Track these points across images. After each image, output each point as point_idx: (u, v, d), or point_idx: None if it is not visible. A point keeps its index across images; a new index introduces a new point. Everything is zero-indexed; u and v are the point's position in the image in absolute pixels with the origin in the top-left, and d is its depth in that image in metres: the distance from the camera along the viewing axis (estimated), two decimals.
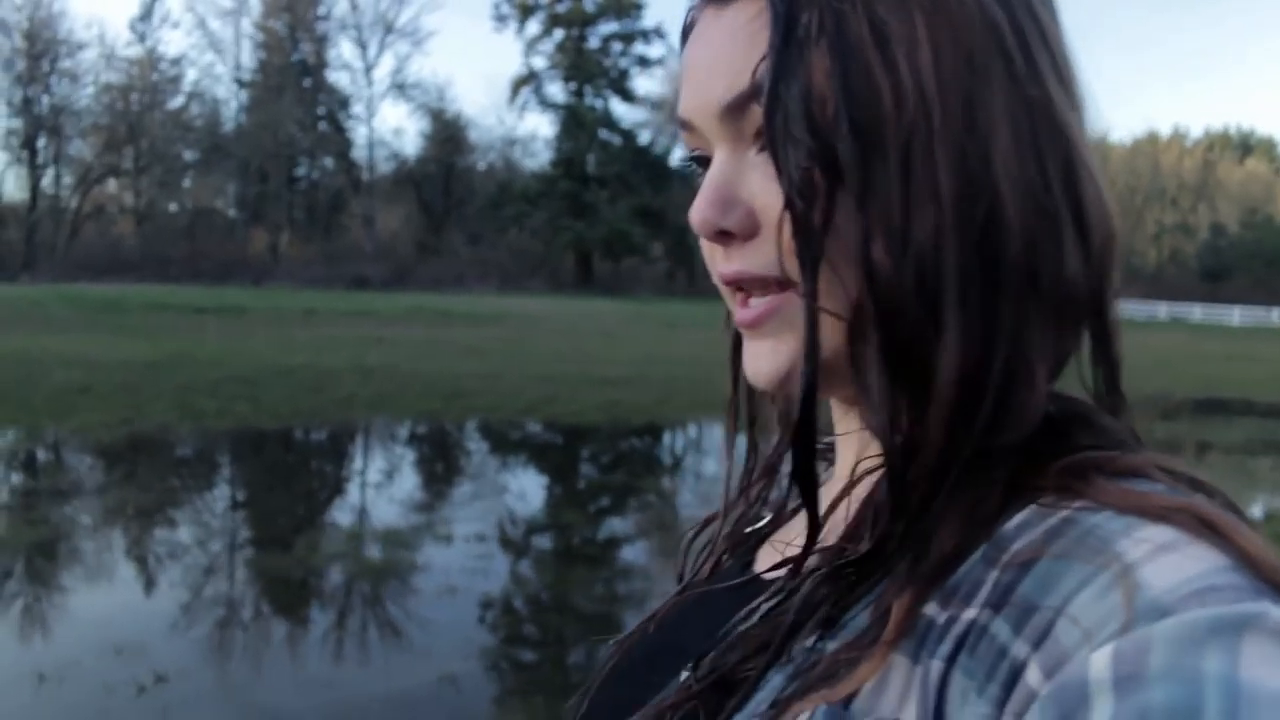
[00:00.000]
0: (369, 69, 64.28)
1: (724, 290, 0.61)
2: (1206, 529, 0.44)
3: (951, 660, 0.46)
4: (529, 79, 60.14)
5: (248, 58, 65.02)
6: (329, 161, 65.11)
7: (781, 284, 0.56)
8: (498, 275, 53.30)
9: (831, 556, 0.55)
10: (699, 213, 0.57)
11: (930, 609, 0.48)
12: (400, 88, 64.07)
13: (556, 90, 60.47)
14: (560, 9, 58.86)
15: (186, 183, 64.66)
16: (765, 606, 0.57)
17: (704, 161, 0.60)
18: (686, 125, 0.60)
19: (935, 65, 0.51)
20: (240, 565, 6.68)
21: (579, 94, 58.63)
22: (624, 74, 59.10)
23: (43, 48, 58.20)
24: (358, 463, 10.94)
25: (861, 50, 0.51)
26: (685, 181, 0.63)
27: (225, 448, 11.00)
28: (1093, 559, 0.44)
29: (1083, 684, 0.40)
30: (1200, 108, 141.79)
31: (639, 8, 58.70)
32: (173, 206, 63.43)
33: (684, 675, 0.58)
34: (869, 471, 0.56)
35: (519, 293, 49.65)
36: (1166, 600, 0.41)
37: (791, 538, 0.67)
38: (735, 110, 0.56)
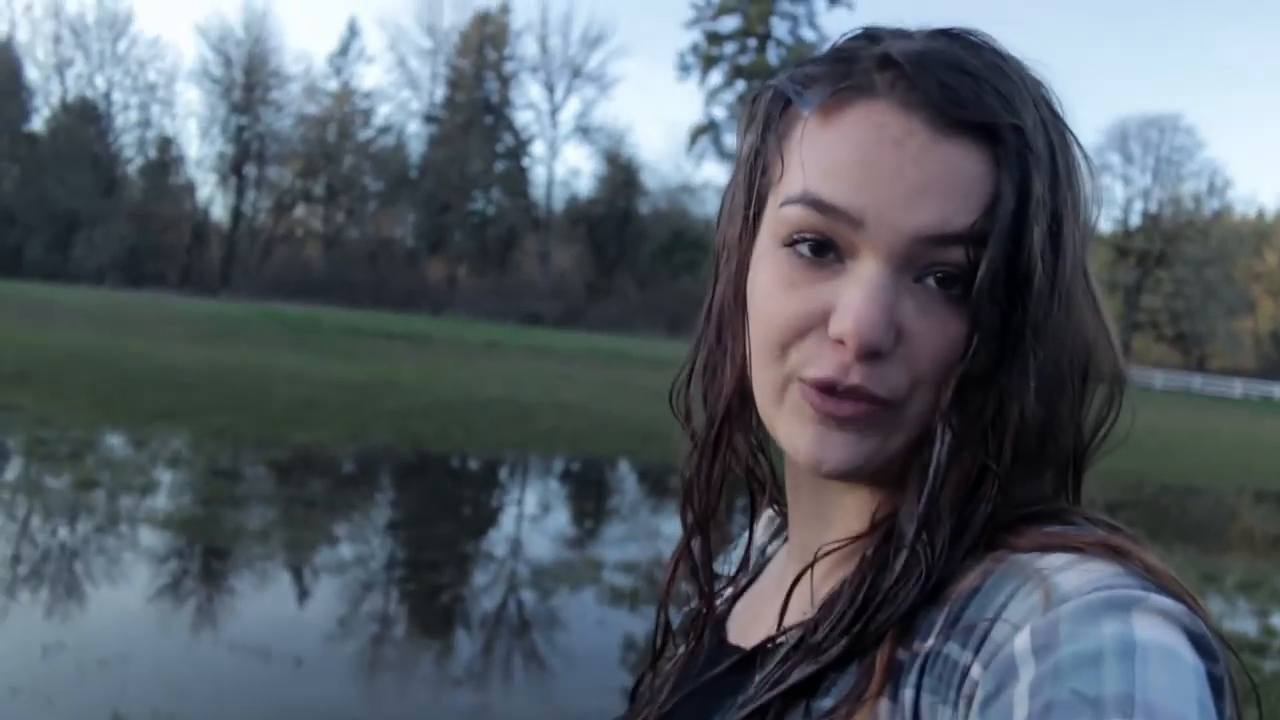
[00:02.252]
0: (554, 111, 66.41)
1: (799, 385, 0.63)
2: (1112, 552, 0.55)
3: (919, 686, 0.55)
4: (708, 128, 61.32)
5: (437, 95, 67.95)
6: (507, 198, 67.38)
7: (885, 404, 0.61)
8: (665, 320, 54.07)
9: (810, 632, 0.62)
10: (872, 329, 0.59)
11: (898, 653, 0.57)
12: (584, 130, 66.15)
13: (735, 140, 61.20)
14: (743, 61, 59.89)
15: (371, 210, 67.72)
16: (760, 681, 0.64)
17: (818, 247, 0.62)
18: (846, 217, 0.61)
19: (1082, 247, 0.62)
20: (530, 584, 7.13)
21: None
22: None
23: (256, 79, 62.19)
24: (599, 497, 11.43)
25: (1072, 246, 0.61)
26: None
27: (458, 471, 11.66)
28: (1019, 576, 0.54)
29: (1010, 658, 0.50)
30: None
31: None
32: (354, 233, 66.51)
33: None
34: (828, 554, 0.66)
35: (686, 338, 50.09)
36: (1072, 593, 0.51)
37: (756, 607, 0.77)
38: (939, 243, 0.59)
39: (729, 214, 0.72)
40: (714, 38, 61.11)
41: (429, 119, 67.40)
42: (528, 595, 6.73)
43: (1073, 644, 0.48)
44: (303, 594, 6.36)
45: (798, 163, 0.63)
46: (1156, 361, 62.37)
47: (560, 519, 9.94)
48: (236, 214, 62.75)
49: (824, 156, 0.62)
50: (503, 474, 11.97)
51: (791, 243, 0.63)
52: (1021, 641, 0.50)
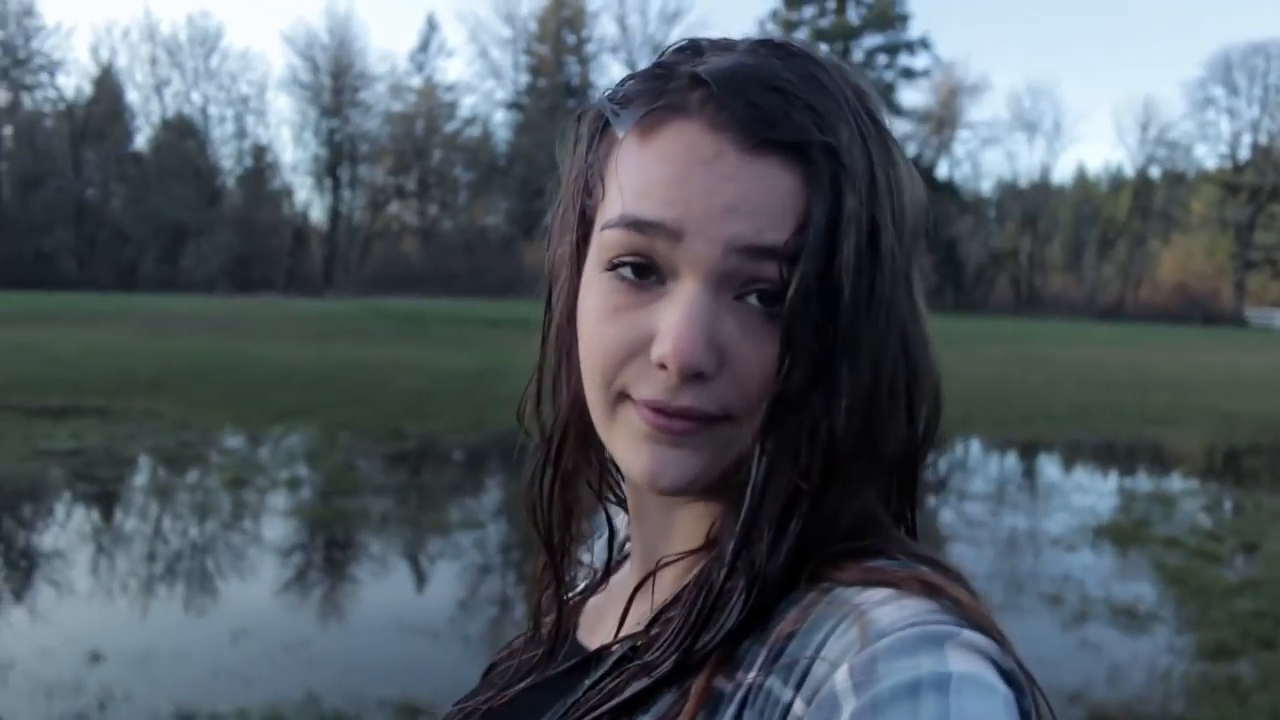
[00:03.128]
0: None
1: (631, 404, 0.64)
2: (926, 588, 0.56)
3: (738, 718, 0.55)
4: None
5: (520, 82, 68.57)
6: None
7: (717, 419, 0.62)
8: None
9: (640, 645, 0.64)
10: (691, 353, 0.59)
11: (718, 681, 0.58)
12: None
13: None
14: (824, 24, 59.28)
15: (463, 200, 68.71)
16: (588, 684, 0.65)
17: (640, 269, 0.62)
18: (664, 229, 0.61)
19: (903, 262, 0.62)
20: None
21: None
22: (889, 87, 58.80)
23: (343, 82, 63.50)
24: None
25: (890, 259, 0.60)
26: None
27: None
28: (837, 613, 0.55)
29: (831, 694, 0.51)
30: None
31: (904, 19, 58.34)
32: (448, 224, 67.57)
33: None
34: (666, 565, 0.68)
35: None
36: (889, 628, 0.52)
37: (603, 607, 0.78)
38: (754, 255, 0.59)
39: (558, 234, 0.71)
40: (793, 2, 60.50)
41: (511, 106, 68.16)
42: None
43: (890, 678, 0.49)
44: (465, 579, 6.63)
45: (616, 186, 0.63)
46: (1274, 301, 60.13)
47: None
48: (334, 215, 64.36)
49: (639, 178, 0.62)
50: None
51: (613, 266, 0.63)
52: (841, 678, 0.51)
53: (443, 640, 5.21)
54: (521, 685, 0.74)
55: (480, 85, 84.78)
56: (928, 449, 0.66)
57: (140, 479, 9.31)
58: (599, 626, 0.74)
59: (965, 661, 0.50)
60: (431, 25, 74.07)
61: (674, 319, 0.60)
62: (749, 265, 0.59)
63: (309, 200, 67.88)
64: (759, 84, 0.60)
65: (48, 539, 7.26)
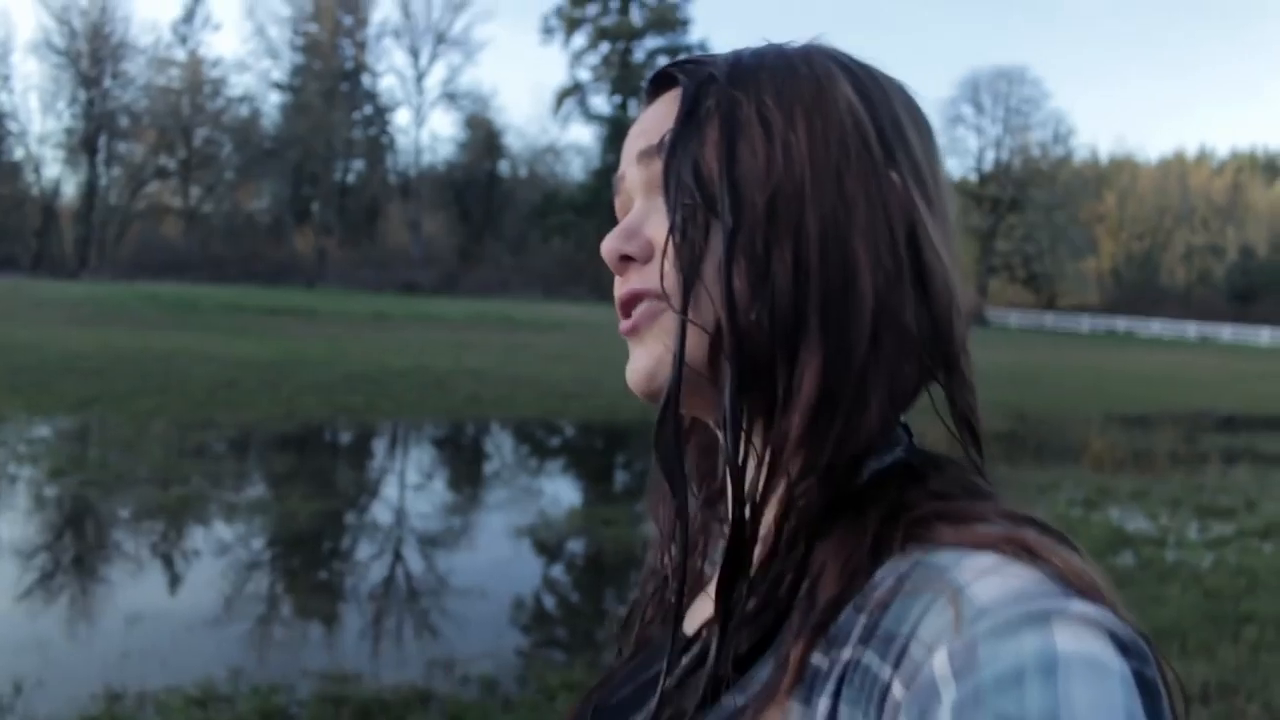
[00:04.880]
0: (420, 77, 65.65)
1: (619, 315, 0.68)
2: (1026, 553, 0.52)
3: (837, 695, 0.53)
4: (574, 90, 61.67)
5: (291, 63, 66.27)
6: (369, 166, 66.34)
7: (654, 295, 0.65)
8: (541, 283, 54.39)
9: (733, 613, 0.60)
10: (607, 242, 0.67)
11: (816, 658, 0.55)
12: (451, 96, 65.55)
13: (601, 102, 61.88)
14: (606, 23, 60.27)
15: (231, 182, 65.79)
16: (684, 666, 0.63)
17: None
18: (620, 179, 0.71)
19: (809, 144, 0.62)
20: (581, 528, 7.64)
21: (623, 106, 59.95)
22: None
23: (103, 51, 59.56)
24: (576, 453, 11.93)
25: (747, 127, 0.63)
26: None
27: (416, 439, 12.02)
28: (931, 587, 0.52)
29: (931, 681, 0.48)
30: (1226, 129, 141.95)
31: (685, 24, 60.09)
32: (207, 207, 64.64)
33: None
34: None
35: (562, 300, 50.73)
36: (988, 606, 0.49)
37: (708, 593, 0.71)
38: (647, 158, 0.67)
39: None
40: (577, 0, 61.21)
41: (280, 87, 65.83)
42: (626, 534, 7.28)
43: (993, 665, 0.47)
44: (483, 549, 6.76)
45: None
46: (1010, 302, 65.75)
47: (562, 474, 10.43)
48: (90, 192, 60.18)
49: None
50: (462, 439, 12.42)
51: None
52: (940, 663, 0.49)
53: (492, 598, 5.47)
54: (627, 674, 0.74)
55: (256, 65, 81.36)
56: (954, 330, 0.64)
57: None
58: (701, 610, 0.69)
59: (1076, 639, 0.47)
60: None
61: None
62: (648, 169, 0.67)
63: (59, 175, 63.23)
64: (678, 62, 0.69)
65: None
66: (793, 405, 0.59)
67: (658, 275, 0.63)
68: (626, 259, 0.66)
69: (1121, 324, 59.70)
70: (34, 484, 8.12)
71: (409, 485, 9.70)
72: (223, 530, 7.17)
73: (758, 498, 0.60)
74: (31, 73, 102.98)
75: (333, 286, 52.65)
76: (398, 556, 6.95)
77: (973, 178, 67.75)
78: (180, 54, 63.64)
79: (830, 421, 0.59)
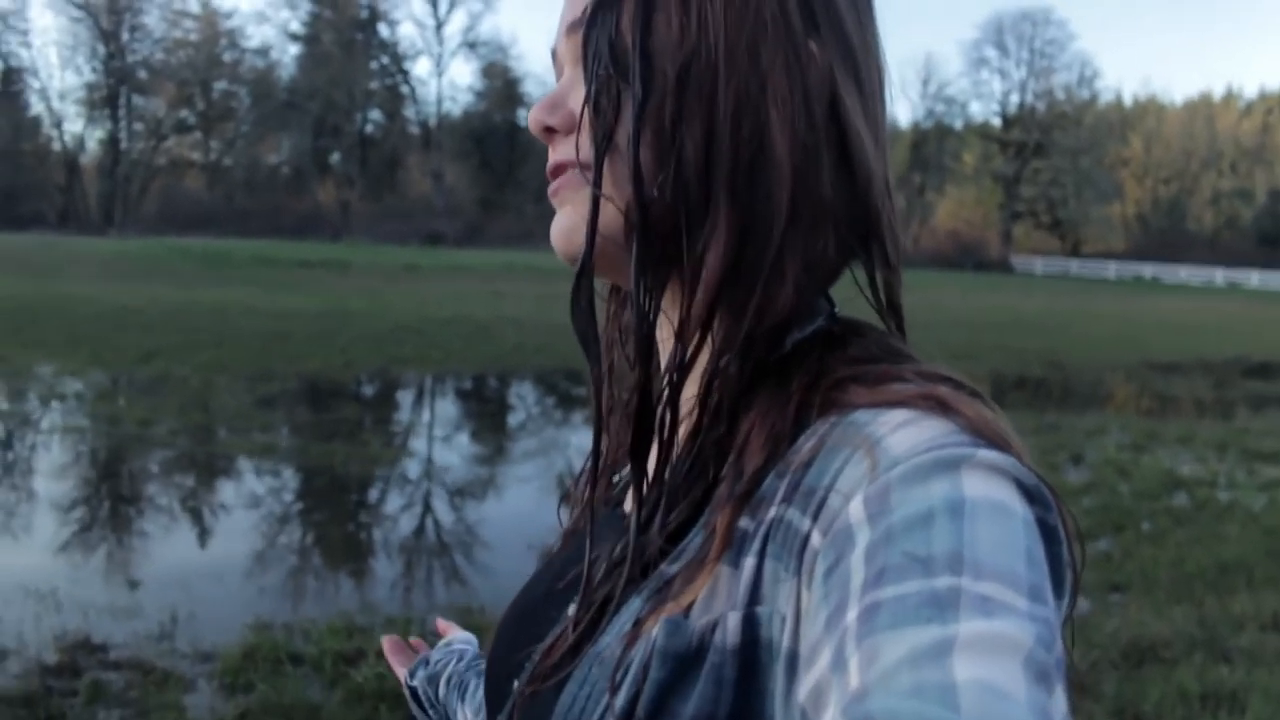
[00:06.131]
0: (439, 26, 65.52)
1: (550, 188, 0.68)
2: (940, 407, 0.54)
3: (762, 554, 0.54)
4: None
5: (307, 13, 66.16)
6: (389, 117, 66.35)
7: (584, 169, 0.63)
8: None
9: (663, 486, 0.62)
10: (532, 113, 0.67)
11: (743, 522, 0.56)
12: (471, 45, 65.41)
13: None
14: None
15: (250, 135, 65.91)
16: (621, 540, 0.64)
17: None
18: (553, 53, 0.71)
19: (725, 14, 0.61)
20: None
21: None
22: None
23: (120, 3, 59.51)
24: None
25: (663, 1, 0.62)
26: None
27: (482, 390, 12.34)
28: (850, 442, 0.54)
29: (846, 528, 0.50)
30: (1255, 70, 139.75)
31: None
32: (228, 160, 64.85)
33: (571, 609, 0.66)
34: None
35: None
36: (902, 455, 0.51)
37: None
38: (574, 30, 0.66)
39: None
40: None
41: (297, 38, 65.73)
42: None
43: (904, 507, 0.48)
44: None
45: None
46: (1034, 249, 65.47)
47: None
48: (114, 147, 60.47)
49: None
50: (526, 384, 12.75)
51: None
52: (855, 509, 0.50)
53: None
54: (565, 554, 0.75)
55: (275, 16, 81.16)
56: (875, 205, 0.64)
57: (50, 421, 9.12)
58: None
59: (982, 484, 0.49)
60: None
61: None
62: (577, 39, 0.65)
63: (82, 131, 63.52)
64: None
65: None
66: (700, 278, 0.60)
67: (581, 144, 0.64)
68: (550, 130, 0.67)
69: (1148, 270, 59.37)
70: (125, 434, 8.44)
71: (512, 427, 10.09)
72: (338, 477, 7.50)
73: (675, 370, 0.61)
74: (49, 27, 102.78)
75: (358, 239, 52.93)
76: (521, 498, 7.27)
77: (996, 121, 67.31)
78: (194, 5, 63.61)
79: (746, 293, 0.60)
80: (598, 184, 0.61)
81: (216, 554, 5.70)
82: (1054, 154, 65.20)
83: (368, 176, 64.09)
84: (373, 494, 7.31)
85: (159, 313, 17.12)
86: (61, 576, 5.01)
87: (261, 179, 64.46)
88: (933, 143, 69.60)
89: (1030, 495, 0.51)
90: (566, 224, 0.65)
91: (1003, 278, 52.86)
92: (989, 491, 0.49)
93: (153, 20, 62.09)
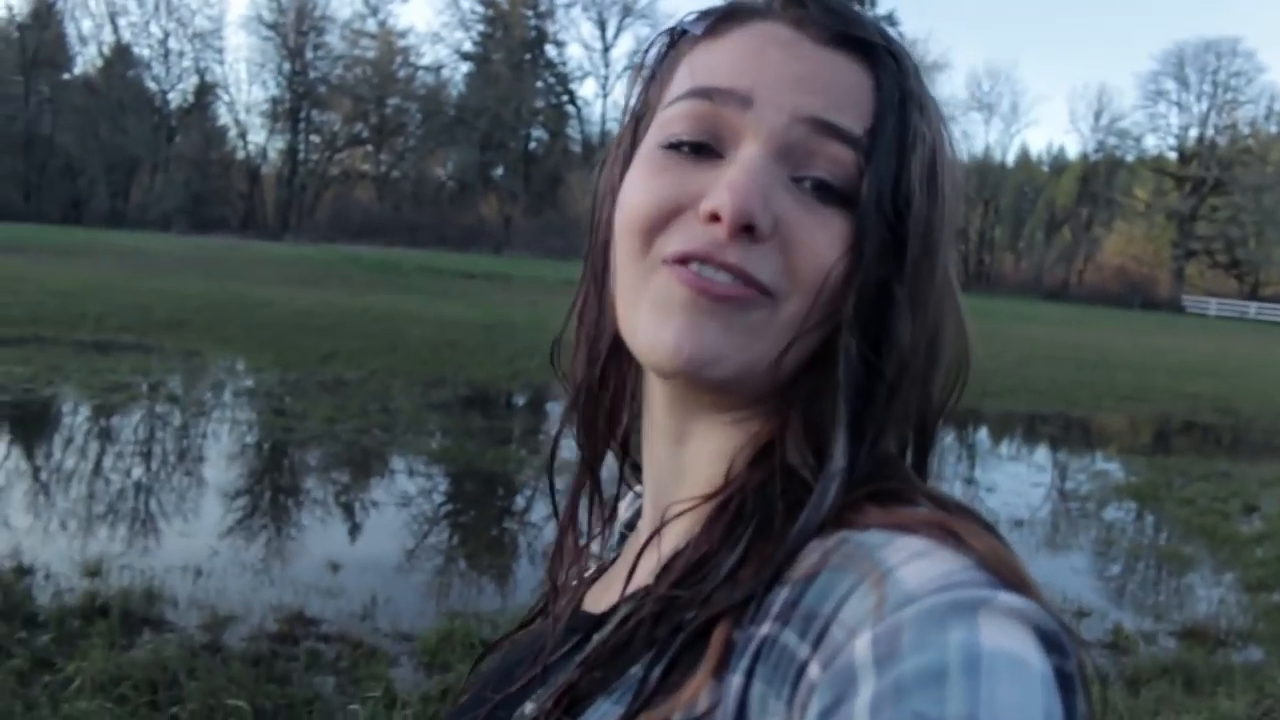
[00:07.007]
0: (606, 49, 67.54)
1: (666, 267, 0.59)
2: (952, 537, 0.51)
3: (750, 673, 0.51)
4: None
5: (478, 33, 68.55)
6: (552, 136, 68.10)
7: (762, 290, 0.58)
8: None
9: (654, 595, 0.59)
10: (748, 199, 0.56)
11: (733, 632, 0.53)
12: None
13: None
14: None
15: (419, 149, 68.39)
16: (598, 639, 0.62)
17: (698, 148, 0.60)
18: (734, 95, 0.59)
19: (946, 203, 0.61)
20: None
21: None
22: None
23: (309, 23, 62.82)
24: None
25: (938, 177, 0.60)
26: None
27: None
28: (858, 568, 0.50)
29: (850, 667, 0.46)
30: None
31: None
32: (397, 173, 67.36)
33: (529, 707, 0.63)
34: (677, 516, 0.63)
35: None
36: (916, 592, 0.47)
37: (611, 576, 0.73)
38: (824, 131, 0.58)
39: (611, 160, 0.68)
40: None
41: (468, 57, 68.11)
42: None
43: (916, 656, 0.45)
44: None
45: (686, 73, 0.63)
46: (1208, 288, 62.55)
47: None
48: (293, 158, 63.72)
49: (712, 59, 0.62)
50: None
51: (670, 145, 0.61)
52: (862, 648, 0.47)
53: None
54: (518, 655, 0.72)
55: (450, 36, 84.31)
56: (947, 407, 0.65)
57: (250, 415, 9.72)
58: (606, 593, 0.70)
59: (1000, 634, 0.46)
60: None
61: (732, 173, 0.58)
62: (813, 140, 0.58)
63: (264, 142, 67.28)
64: (880, 29, 0.62)
65: (227, 472, 7.78)
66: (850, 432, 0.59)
67: (778, 268, 0.58)
68: (750, 229, 0.57)
69: None
70: (312, 430, 8.95)
71: None
72: (511, 481, 7.84)
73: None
74: (240, 45, 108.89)
75: (519, 253, 54.22)
76: None
77: (1172, 155, 64.67)
78: (372, 25, 66.58)
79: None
80: (860, 351, 0.58)
81: (406, 545, 6.03)
82: (1235, 190, 62.22)
83: (530, 192, 65.66)
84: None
85: (334, 316, 17.94)
86: (273, 554, 5.43)
87: (428, 191, 66.85)
88: (1102, 176, 67.47)
89: (1049, 644, 0.47)
90: (717, 345, 0.58)
91: (1172, 317, 50.69)
92: (1007, 643, 0.45)
93: (334, 39, 65.47)
